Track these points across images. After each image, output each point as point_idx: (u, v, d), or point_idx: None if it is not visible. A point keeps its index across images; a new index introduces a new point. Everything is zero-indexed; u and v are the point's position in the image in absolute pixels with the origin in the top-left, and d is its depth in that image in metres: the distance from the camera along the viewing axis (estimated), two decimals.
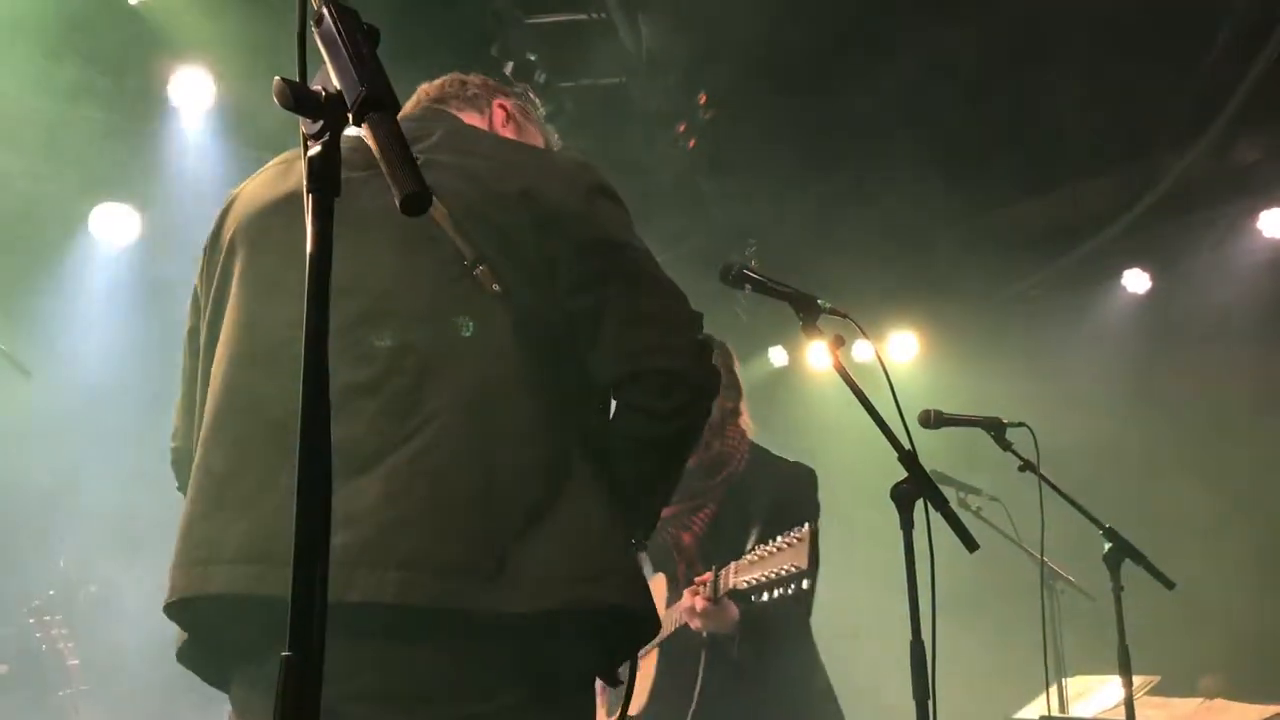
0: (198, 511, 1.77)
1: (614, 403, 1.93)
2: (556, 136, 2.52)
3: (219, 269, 1.96)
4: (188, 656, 1.89)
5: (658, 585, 3.65)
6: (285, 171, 2.00)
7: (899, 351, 8.06)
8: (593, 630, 1.77)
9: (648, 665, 3.56)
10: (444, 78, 2.29)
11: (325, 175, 0.99)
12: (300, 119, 1.02)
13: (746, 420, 3.66)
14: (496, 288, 1.76)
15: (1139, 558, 3.38)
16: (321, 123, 1.00)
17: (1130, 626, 3.48)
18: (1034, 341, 7.45)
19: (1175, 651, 5.18)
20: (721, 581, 3.18)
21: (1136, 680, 4.34)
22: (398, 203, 0.92)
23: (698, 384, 1.88)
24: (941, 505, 2.48)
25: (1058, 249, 7.51)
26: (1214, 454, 6.44)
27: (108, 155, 5.21)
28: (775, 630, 3.37)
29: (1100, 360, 7.21)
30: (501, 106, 2.30)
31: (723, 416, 3.55)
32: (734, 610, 3.27)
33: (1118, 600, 3.39)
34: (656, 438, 1.88)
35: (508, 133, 2.26)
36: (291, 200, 1.91)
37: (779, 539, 3.03)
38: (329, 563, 1.48)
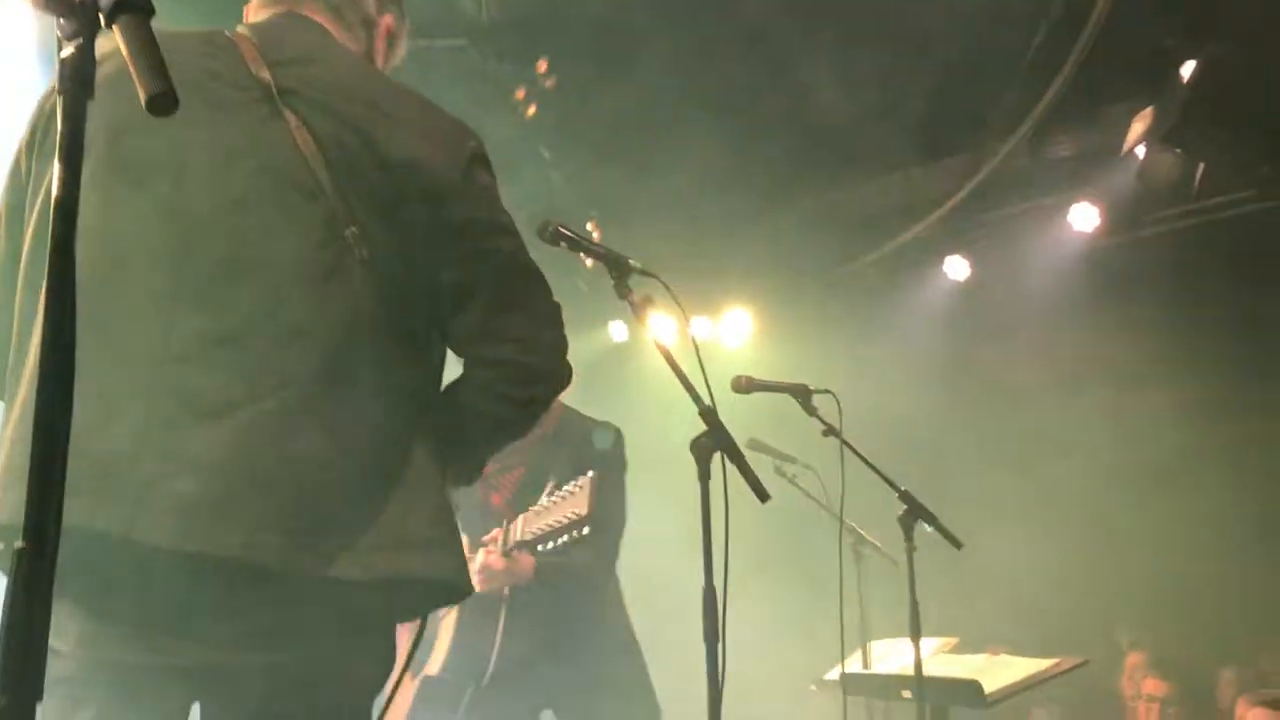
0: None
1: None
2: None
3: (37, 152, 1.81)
4: None
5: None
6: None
7: (733, 329, 8.26)
8: (419, 596, 1.82)
9: (447, 622, 3.61)
10: None
11: (78, 77, 1.00)
12: (56, 19, 1.03)
13: None
14: (365, 254, 1.71)
15: (931, 518, 3.57)
16: (75, 24, 1.01)
17: (932, 592, 3.68)
18: (861, 321, 7.72)
19: (969, 617, 5.47)
20: (510, 535, 3.28)
21: (937, 641, 4.60)
22: (144, 99, 0.95)
23: (554, 380, 1.93)
24: (737, 458, 2.57)
25: (889, 232, 7.79)
26: (1014, 429, 6.80)
27: None
28: (572, 582, 3.48)
29: (919, 341, 7.53)
30: (388, 28, 2.10)
31: None
32: (527, 562, 3.37)
33: (909, 560, 3.57)
34: (503, 419, 1.92)
35: (379, 60, 2.09)
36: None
37: (563, 489, 3.14)
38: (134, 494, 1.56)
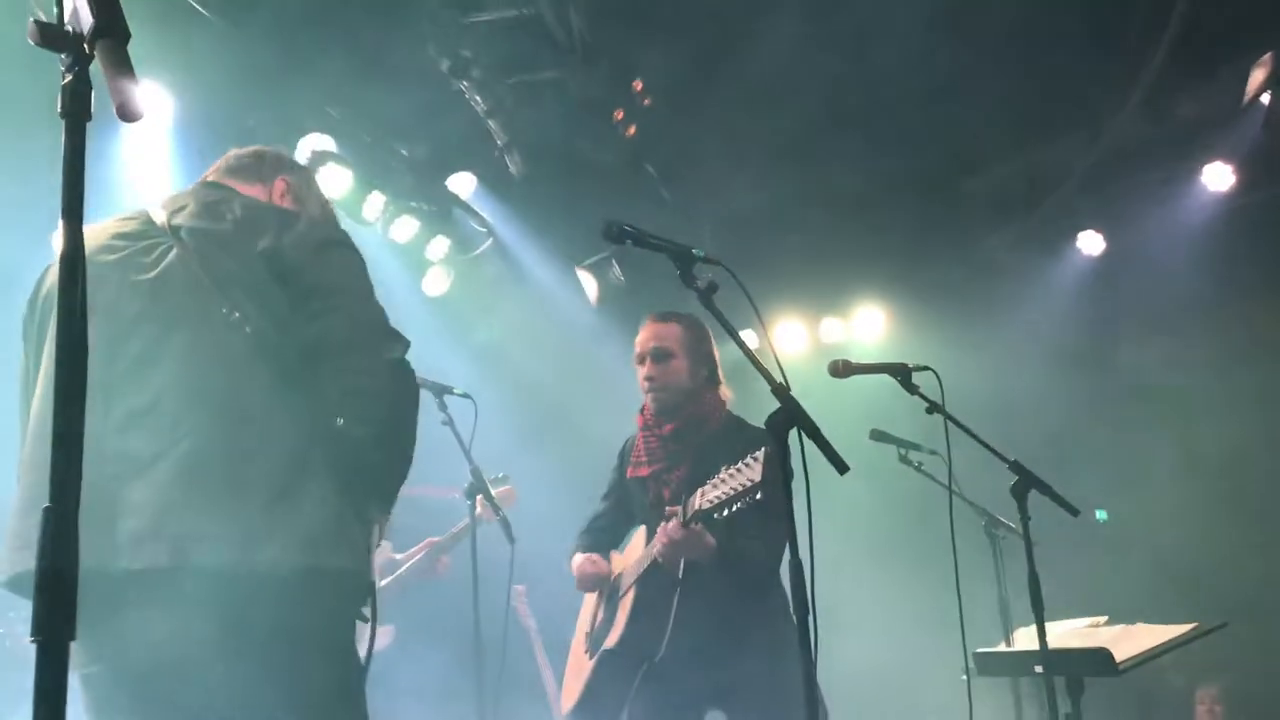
0: (18, 509, 2.28)
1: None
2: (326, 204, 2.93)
3: (35, 326, 2.49)
4: None
5: (639, 537, 3.89)
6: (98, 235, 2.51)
7: (866, 328, 8.22)
8: (324, 586, 2.28)
9: (624, 604, 3.81)
10: (246, 150, 2.87)
11: (76, 102, 1.16)
12: (58, 55, 1.19)
13: (725, 392, 3.96)
14: (249, 330, 2.33)
15: (1044, 487, 3.51)
16: (71, 55, 1.17)
17: (1079, 572, 3.63)
18: (995, 305, 7.57)
19: (1120, 595, 5.31)
20: (689, 507, 3.43)
21: (1085, 621, 4.48)
22: (115, 109, 1.10)
23: (390, 397, 2.42)
24: (813, 433, 2.62)
25: (1015, 215, 7.65)
26: (1164, 402, 6.57)
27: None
28: (746, 568, 3.61)
29: (1057, 320, 7.35)
30: (283, 180, 2.81)
31: (696, 385, 3.88)
32: (708, 538, 3.52)
33: (1025, 528, 3.51)
34: (365, 437, 2.38)
35: (284, 203, 2.77)
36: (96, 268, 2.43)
37: (739, 463, 3.25)
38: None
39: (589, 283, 7.16)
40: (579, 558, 4.02)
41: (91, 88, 1.18)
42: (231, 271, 2.38)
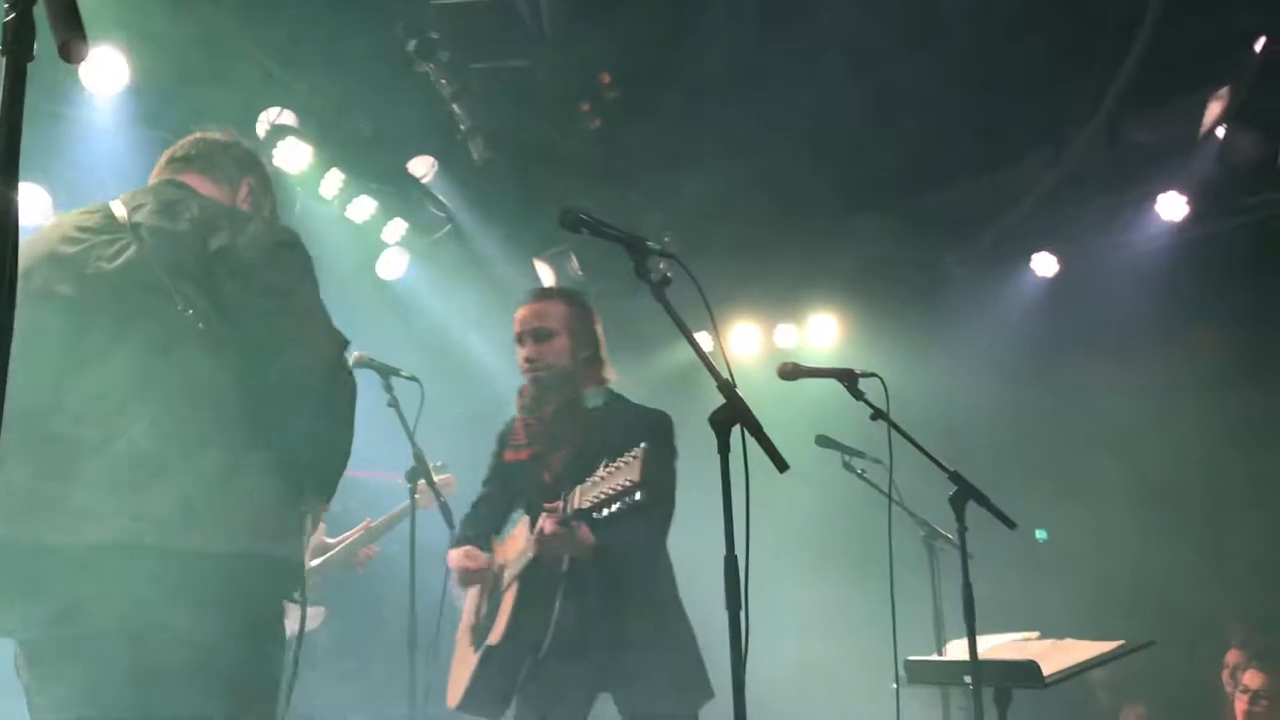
0: None
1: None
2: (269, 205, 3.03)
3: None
4: None
5: (522, 526, 3.85)
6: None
7: (819, 336, 8.26)
8: (258, 570, 2.43)
9: (507, 598, 3.74)
10: (208, 134, 2.95)
11: (20, 40, 1.14)
12: None
13: (609, 372, 3.89)
14: (201, 326, 2.46)
15: (982, 499, 3.54)
16: None
17: (1014, 588, 3.64)
18: (949, 321, 7.63)
19: (1053, 611, 5.37)
20: (569, 504, 3.40)
21: (1018, 636, 4.54)
22: (57, 47, 1.08)
23: (328, 392, 2.54)
24: (755, 430, 2.62)
25: (973, 233, 7.72)
26: (1109, 423, 6.66)
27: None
28: (629, 554, 3.59)
29: (1008, 339, 7.43)
30: (247, 184, 2.93)
31: (576, 366, 3.81)
32: (585, 532, 3.49)
33: (961, 538, 3.55)
34: (304, 431, 2.53)
35: (245, 206, 2.90)
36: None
37: (617, 460, 3.25)
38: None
39: (546, 275, 7.14)
40: (455, 554, 3.90)
41: (35, 32, 1.16)
42: (187, 269, 2.51)
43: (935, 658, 4.33)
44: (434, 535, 4.18)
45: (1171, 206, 6.86)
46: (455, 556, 3.89)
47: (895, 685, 4.28)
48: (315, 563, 5.02)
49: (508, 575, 3.81)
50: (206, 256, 2.53)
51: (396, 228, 6.50)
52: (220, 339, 2.48)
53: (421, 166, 6.28)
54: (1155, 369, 6.85)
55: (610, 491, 3.21)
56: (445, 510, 4.06)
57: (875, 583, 4.84)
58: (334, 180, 5.90)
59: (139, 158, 5.10)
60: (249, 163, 2.97)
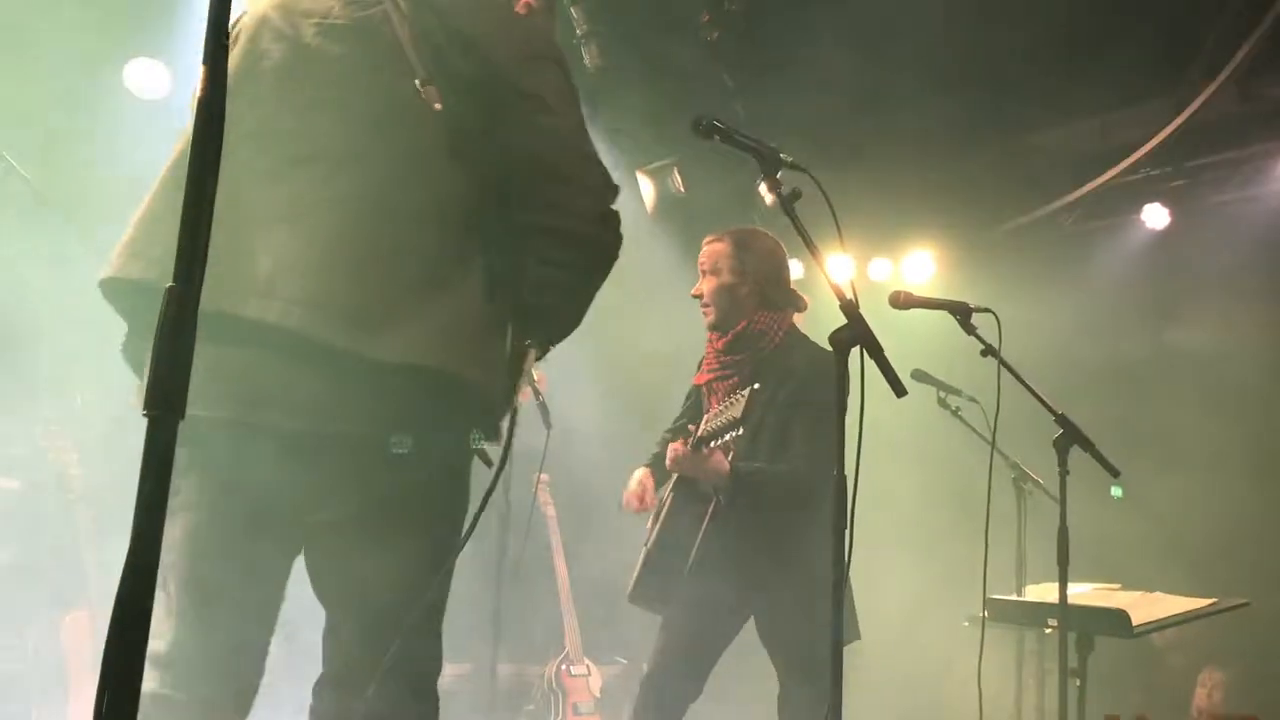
0: (141, 219, 2.11)
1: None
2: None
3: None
4: (128, 349, 2.17)
5: None
6: None
7: (915, 271, 8.13)
8: (451, 391, 2.05)
9: (664, 509, 4.03)
10: None
11: None
12: None
13: (790, 312, 4.03)
14: (438, 106, 2.06)
15: (1087, 444, 3.50)
16: None
17: (1099, 539, 3.59)
18: (1050, 266, 7.46)
19: (1140, 566, 5.29)
20: (695, 432, 3.68)
21: (1100, 586, 4.50)
22: None
23: (596, 247, 2.19)
24: (875, 351, 2.61)
25: (1084, 178, 7.50)
26: (1209, 383, 6.50)
27: (137, 13, 5.36)
28: (776, 491, 3.75)
29: (1110, 288, 7.26)
30: None
31: (739, 301, 3.95)
32: (718, 458, 3.68)
33: (1062, 482, 3.52)
34: (551, 280, 2.16)
35: (520, 10, 2.48)
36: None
37: (733, 395, 3.54)
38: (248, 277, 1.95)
39: (648, 188, 7.08)
40: (633, 481, 4.11)
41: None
42: (438, 46, 2.11)
43: (1018, 598, 4.31)
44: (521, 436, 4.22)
45: None
46: (632, 484, 4.09)
47: (981, 618, 4.26)
48: None
49: (667, 488, 4.06)
50: (460, 39, 2.13)
51: None
52: (461, 135, 2.09)
53: None
54: (1270, 330, 6.63)
55: (720, 425, 3.44)
56: (544, 409, 4.10)
57: (961, 520, 4.83)
58: None
59: None
60: None
